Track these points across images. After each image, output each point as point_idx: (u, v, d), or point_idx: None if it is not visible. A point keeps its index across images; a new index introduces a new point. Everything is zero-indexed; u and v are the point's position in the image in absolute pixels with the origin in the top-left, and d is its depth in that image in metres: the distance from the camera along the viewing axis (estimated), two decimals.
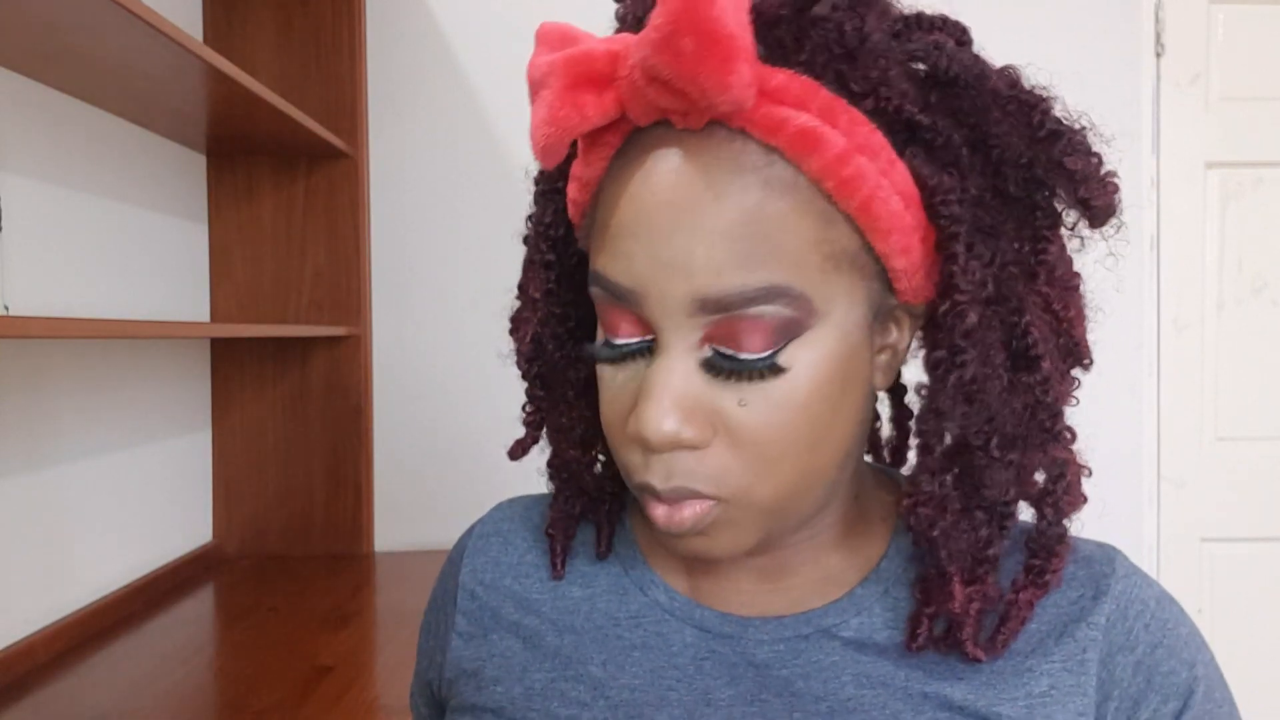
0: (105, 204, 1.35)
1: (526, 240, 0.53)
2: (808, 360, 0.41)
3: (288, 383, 1.70)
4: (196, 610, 1.41)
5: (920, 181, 0.42)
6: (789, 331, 0.40)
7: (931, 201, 0.42)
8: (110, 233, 1.37)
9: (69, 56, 1.09)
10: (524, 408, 0.54)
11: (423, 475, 1.78)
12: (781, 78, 0.40)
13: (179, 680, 1.12)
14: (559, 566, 0.53)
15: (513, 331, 0.53)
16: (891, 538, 0.50)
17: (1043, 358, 0.44)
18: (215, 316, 1.69)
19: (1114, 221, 0.45)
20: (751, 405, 0.41)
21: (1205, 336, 1.92)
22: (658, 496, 0.43)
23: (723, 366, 0.41)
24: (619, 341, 0.43)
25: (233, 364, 1.70)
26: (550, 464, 0.55)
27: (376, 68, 1.78)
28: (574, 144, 0.46)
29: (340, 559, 1.67)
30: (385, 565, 1.64)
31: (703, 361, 0.41)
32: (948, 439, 0.44)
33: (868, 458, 0.58)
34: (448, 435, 1.79)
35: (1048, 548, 0.45)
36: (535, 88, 0.42)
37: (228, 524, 1.69)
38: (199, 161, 1.66)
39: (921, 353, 0.47)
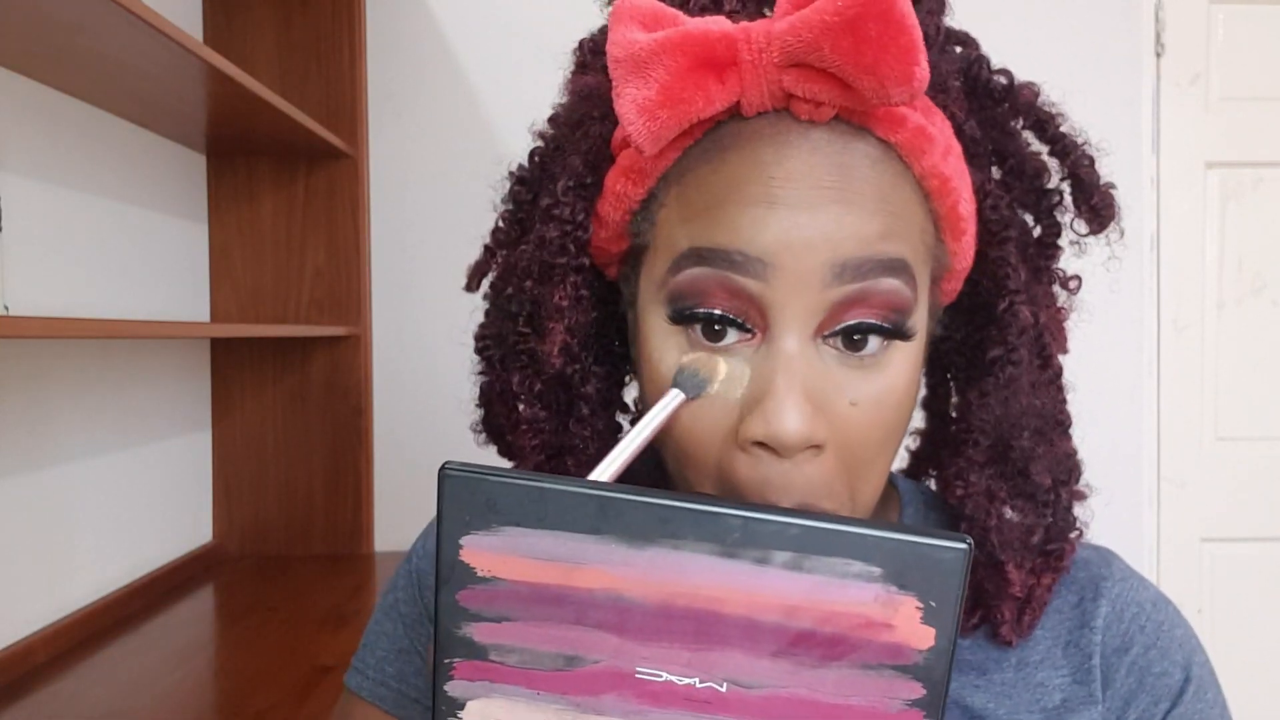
0: (105, 204, 1.35)
1: (538, 243, 0.46)
2: (907, 358, 0.40)
3: (288, 383, 1.70)
4: (196, 610, 1.41)
5: (975, 186, 0.43)
6: (903, 315, 0.39)
7: (983, 205, 0.43)
8: (110, 233, 1.37)
9: (69, 56, 1.09)
10: (522, 431, 0.49)
11: (423, 475, 1.78)
12: None
13: (179, 680, 1.12)
14: None
15: (510, 357, 0.48)
16: None
17: (1054, 356, 0.46)
18: (215, 317, 1.69)
19: (1115, 226, 0.47)
20: (861, 405, 0.39)
21: (1205, 336, 1.92)
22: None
23: (840, 330, 0.39)
24: (720, 312, 0.39)
25: (233, 364, 1.70)
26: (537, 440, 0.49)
27: (376, 68, 1.78)
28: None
29: (340, 559, 1.67)
30: (385, 565, 1.64)
31: (835, 332, 0.39)
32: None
33: None
34: (448, 435, 1.79)
35: (1062, 533, 0.47)
36: (635, 66, 0.38)
37: (228, 524, 1.69)
38: (199, 161, 1.66)
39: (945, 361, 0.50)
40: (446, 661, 0.32)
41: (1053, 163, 0.47)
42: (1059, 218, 0.47)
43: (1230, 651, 1.86)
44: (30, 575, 1.17)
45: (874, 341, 0.40)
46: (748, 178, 0.39)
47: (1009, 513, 0.46)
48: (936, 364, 0.52)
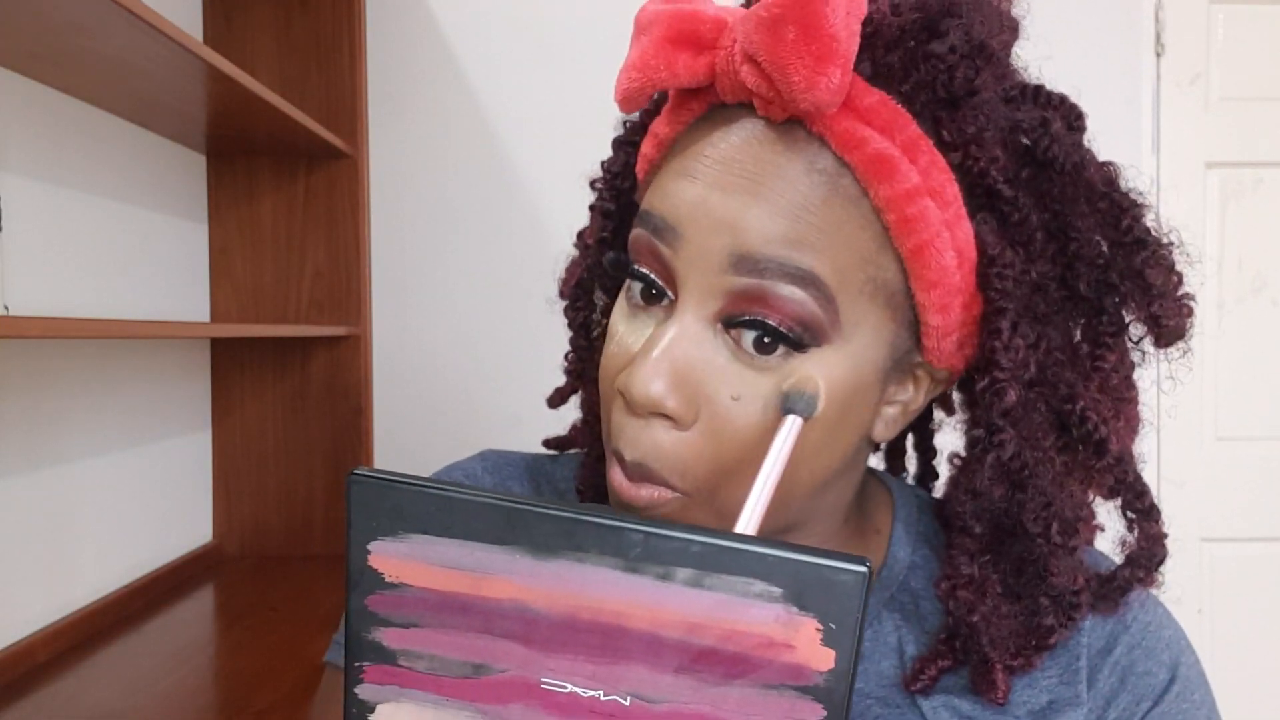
0: (105, 204, 1.36)
1: (593, 186, 0.52)
2: (815, 374, 0.40)
3: (288, 383, 1.70)
4: (196, 610, 1.41)
5: (982, 248, 0.41)
6: (807, 333, 0.39)
7: (987, 271, 0.41)
8: (110, 233, 1.37)
9: (69, 57, 1.09)
10: (566, 356, 0.54)
11: (422, 475, 1.78)
12: (876, 99, 0.39)
13: (179, 680, 1.12)
14: None
15: (564, 275, 0.53)
16: (888, 548, 0.49)
17: (1109, 440, 0.42)
18: (215, 317, 1.69)
19: (1180, 345, 0.45)
20: (744, 401, 0.39)
21: (1205, 336, 1.92)
22: (623, 466, 0.41)
23: (740, 322, 0.39)
24: (642, 269, 0.42)
25: (233, 364, 1.70)
26: (586, 412, 0.54)
27: (376, 68, 1.78)
28: (659, 99, 0.46)
29: (340, 559, 1.66)
30: None
31: (721, 318, 0.40)
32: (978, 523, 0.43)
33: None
34: (448, 435, 1.79)
35: (1103, 599, 0.45)
36: (638, 30, 0.41)
37: (228, 524, 1.70)
38: (199, 161, 1.66)
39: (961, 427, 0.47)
40: (357, 665, 0.32)
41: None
42: (1125, 317, 0.43)
43: (1229, 651, 1.87)
44: (30, 575, 1.18)
45: (778, 350, 0.39)
46: (692, 151, 0.41)
47: (1003, 606, 0.43)
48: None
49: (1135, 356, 0.45)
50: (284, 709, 1.04)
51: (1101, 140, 0.45)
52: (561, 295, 0.53)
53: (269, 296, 1.69)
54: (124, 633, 1.27)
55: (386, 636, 0.31)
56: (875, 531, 0.50)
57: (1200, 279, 0.45)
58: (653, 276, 0.42)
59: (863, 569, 0.29)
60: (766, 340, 0.39)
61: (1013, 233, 0.41)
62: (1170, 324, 0.43)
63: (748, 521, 0.36)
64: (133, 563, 1.42)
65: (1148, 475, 1.92)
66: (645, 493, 0.41)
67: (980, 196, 0.41)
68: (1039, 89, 0.43)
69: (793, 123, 0.39)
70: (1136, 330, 0.44)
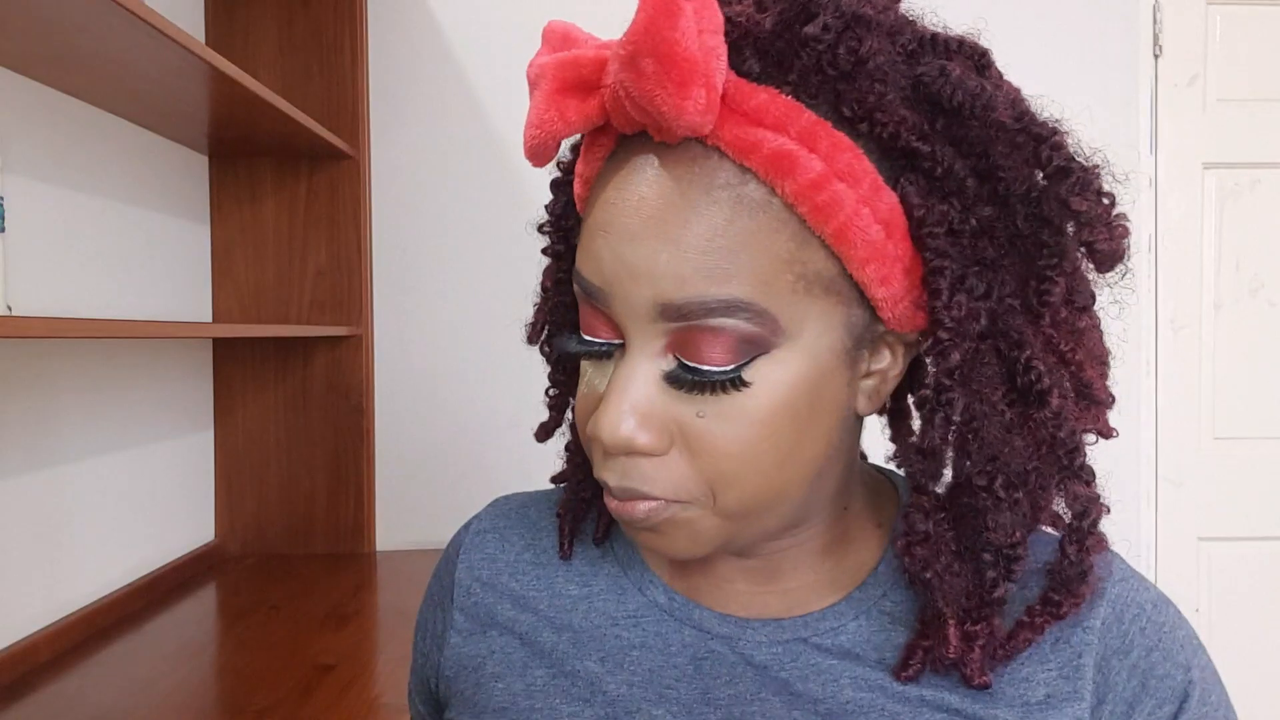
0: (108, 205, 1.36)
1: (541, 230, 0.53)
2: (772, 379, 0.40)
3: (289, 383, 1.71)
4: (198, 609, 1.42)
5: (909, 211, 0.40)
6: (752, 347, 0.40)
7: (919, 233, 0.40)
8: (113, 233, 1.37)
9: (72, 58, 1.10)
10: (547, 391, 0.55)
11: (424, 475, 1.79)
12: (763, 97, 0.39)
13: (181, 679, 1.12)
14: (566, 548, 0.53)
15: (532, 320, 0.54)
16: (887, 543, 0.49)
17: (1049, 392, 0.42)
18: (217, 317, 1.69)
19: (1120, 268, 0.44)
20: (710, 418, 0.40)
21: (1203, 337, 1.93)
22: (611, 492, 0.43)
23: (684, 378, 0.40)
24: (588, 337, 0.44)
25: (235, 364, 1.70)
26: (568, 446, 0.55)
27: (378, 69, 1.78)
28: (579, 142, 0.46)
29: (342, 558, 1.68)
30: (386, 564, 1.64)
31: (665, 373, 0.41)
32: (946, 478, 0.43)
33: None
34: (449, 435, 1.80)
35: (1069, 584, 0.44)
36: (530, 86, 0.42)
37: (230, 523, 1.70)
38: (201, 162, 1.67)
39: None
40: None
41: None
42: (1061, 246, 0.42)
43: (1227, 650, 1.87)
44: (32, 574, 1.18)
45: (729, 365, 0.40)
46: (603, 201, 0.42)
47: (957, 561, 0.43)
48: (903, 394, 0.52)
49: (1090, 285, 0.44)
50: (285, 708, 1.04)
51: (1100, 141, 0.44)
52: (530, 341, 0.54)
53: (271, 297, 1.70)
54: (126, 632, 1.28)
55: None
56: (877, 525, 0.50)
57: (1135, 204, 0.43)
58: (603, 344, 0.43)
59: None
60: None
61: (941, 186, 0.40)
62: (1104, 248, 0.42)
63: None
64: (135, 562, 1.42)
65: (1145, 475, 1.92)
66: (643, 506, 0.42)
67: (900, 159, 0.40)
68: (935, 36, 0.42)
69: (688, 140, 0.40)
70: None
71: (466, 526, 0.59)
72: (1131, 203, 0.42)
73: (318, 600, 1.43)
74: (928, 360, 0.42)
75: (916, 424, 0.52)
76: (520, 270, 1.82)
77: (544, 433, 0.55)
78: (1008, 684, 0.45)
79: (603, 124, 0.42)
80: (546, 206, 0.52)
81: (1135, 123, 1.90)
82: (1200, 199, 1.92)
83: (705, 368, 0.40)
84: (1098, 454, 0.44)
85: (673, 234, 0.39)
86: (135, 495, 1.43)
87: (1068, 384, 0.43)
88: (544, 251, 0.53)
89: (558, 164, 0.52)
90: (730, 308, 0.39)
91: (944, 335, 0.41)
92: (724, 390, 0.40)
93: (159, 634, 1.28)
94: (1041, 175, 0.42)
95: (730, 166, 0.39)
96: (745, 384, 0.40)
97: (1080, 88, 1.88)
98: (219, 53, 1.17)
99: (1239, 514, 1.94)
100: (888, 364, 0.45)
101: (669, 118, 0.37)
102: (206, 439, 1.69)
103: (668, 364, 0.41)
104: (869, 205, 0.40)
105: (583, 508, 0.54)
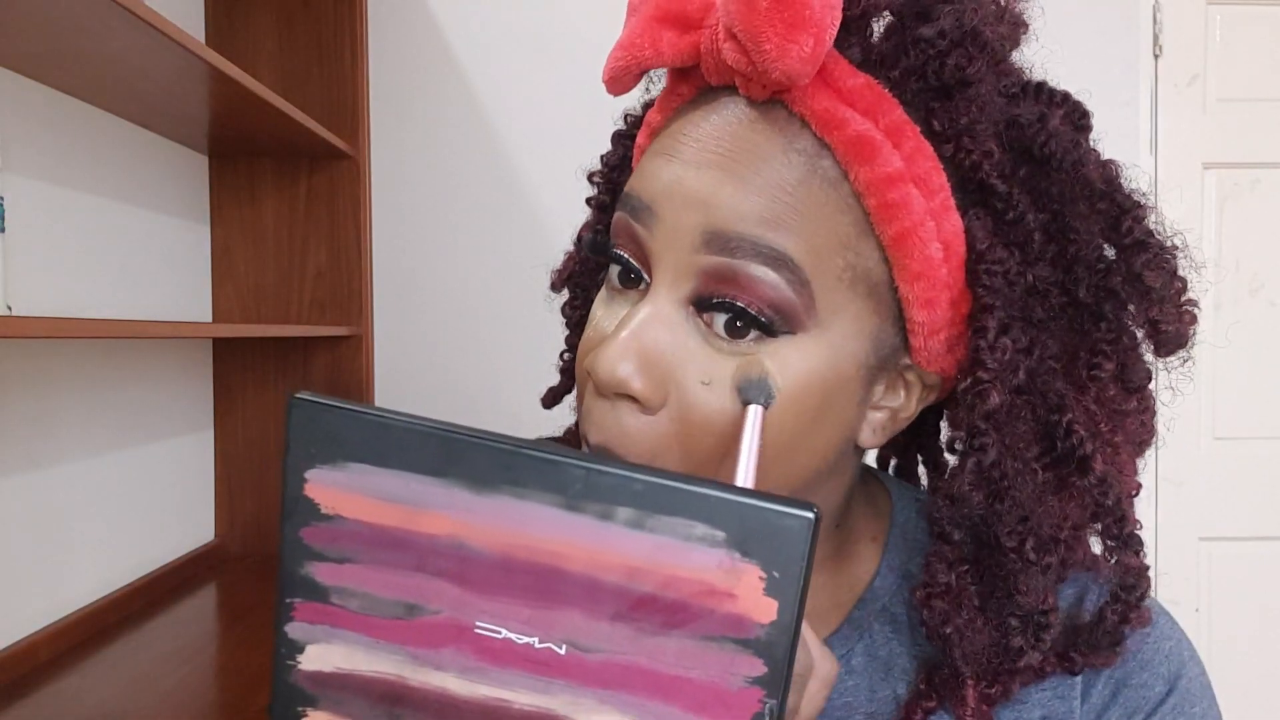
0: (108, 205, 1.36)
1: (591, 180, 0.52)
2: (789, 365, 0.38)
3: (290, 383, 1.71)
4: (199, 609, 1.42)
5: (972, 243, 0.39)
6: (782, 319, 0.38)
7: (976, 267, 0.39)
8: (113, 233, 1.37)
9: (72, 58, 1.10)
10: (561, 355, 0.53)
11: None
12: (861, 81, 0.38)
13: (181, 679, 1.12)
14: None
15: (559, 269, 0.53)
16: (882, 556, 0.48)
17: (1092, 458, 0.40)
18: (217, 317, 1.69)
19: (1181, 354, 0.42)
20: (714, 386, 0.38)
21: (1203, 336, 1.92)
22: (589, 447, 0.40)
23: (711, 304, 0.38)
24: (617, 251, 0.41)
25: (235, 364, 1.70)
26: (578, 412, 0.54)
27: (378, 68, 1.78)
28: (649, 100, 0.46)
29: None
30: None
31: (693, 299, 0.39)
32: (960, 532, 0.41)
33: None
34: None
35: (1096, 647, 0.42)
36: (630, 10, 0.41)
37: (230, 523, 1.70)
38: (201, 162, 1.67)
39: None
40: (288, 601, 0.30)
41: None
42: (1122, 323, 0.41)
43: (1227, 650, 1.87)
44: (33, 574, 1.18)
45: (751, 335, 0.38)
46: (671, 133, 0.41)
47: (979, 620, 0.41)
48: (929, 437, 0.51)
49: (1147, 366, 0.43)
50: None
51: (1100, 141, 0.43)
52: (553, 288, 0.53)
53: (271, 297, 1.70)
54: (126, 632, 1.28)
55: (319, 572, 0.30)
56: (872, 539, 0.49)
57: (1205, 285, 0.43)
58: (627, 258, 0.41)
59: (809, 514, 0.27)
60: (738, 324, 0.38)
61: (1008, 231, 0.39)
62: (1169, 330, 0.41)
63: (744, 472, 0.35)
64: (135, 562, 1.42)
65: (1145, 475, 1.92)
66: None
67: (974, 192, 0.39)
68: (1041, 85, 0.42)
69: (774, 103, 0.39)
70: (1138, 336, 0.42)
71: None
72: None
73: None
74: (963, 403, 0.40)
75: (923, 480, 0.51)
76: (520, 270, 1.82)
77: (552, 398, 0.53)
78: (1003, 707, 0.43)
79: (691, 66, 0.40)
80: (602, 157, 0.51)
81: (1135, 123, 1.90)
82: (1200, 199, 1.92)
83: (735, 301, 0.37)
84: None
85: (741, 173, 0.38)
86: (135, 495, 1.43)
87: (1107, 453, 0.41)
88: (588, 201, 0.51)
89: (625, 117, 0.50)
90: (778, 260, 0.37)
91: (985, 376, 0.39)
92: (737, 354, 0.38)
93: (159, 634, 1.28)
94: (1118, 247, 0.40)
95: (810, 137, 0.38)
96: (778, 333, 0.38)
97: (1080, 88, 1.87)
98: (219, 53, 1.17)
99: (1239, 514, 1.93)
100: (900, 403, 0.43)
101: (770, 58, 0.36)
102: (206, 439, 1.69)
103: (689, 309, 0.39)
104: (935, 221, 0.38)
105: None
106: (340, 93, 1.68)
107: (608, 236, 0.42)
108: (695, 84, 0.41)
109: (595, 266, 0.51)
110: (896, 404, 0.43)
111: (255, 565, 1.64)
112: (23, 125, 1.15)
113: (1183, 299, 0.41)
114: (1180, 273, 0.41)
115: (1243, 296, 1.93)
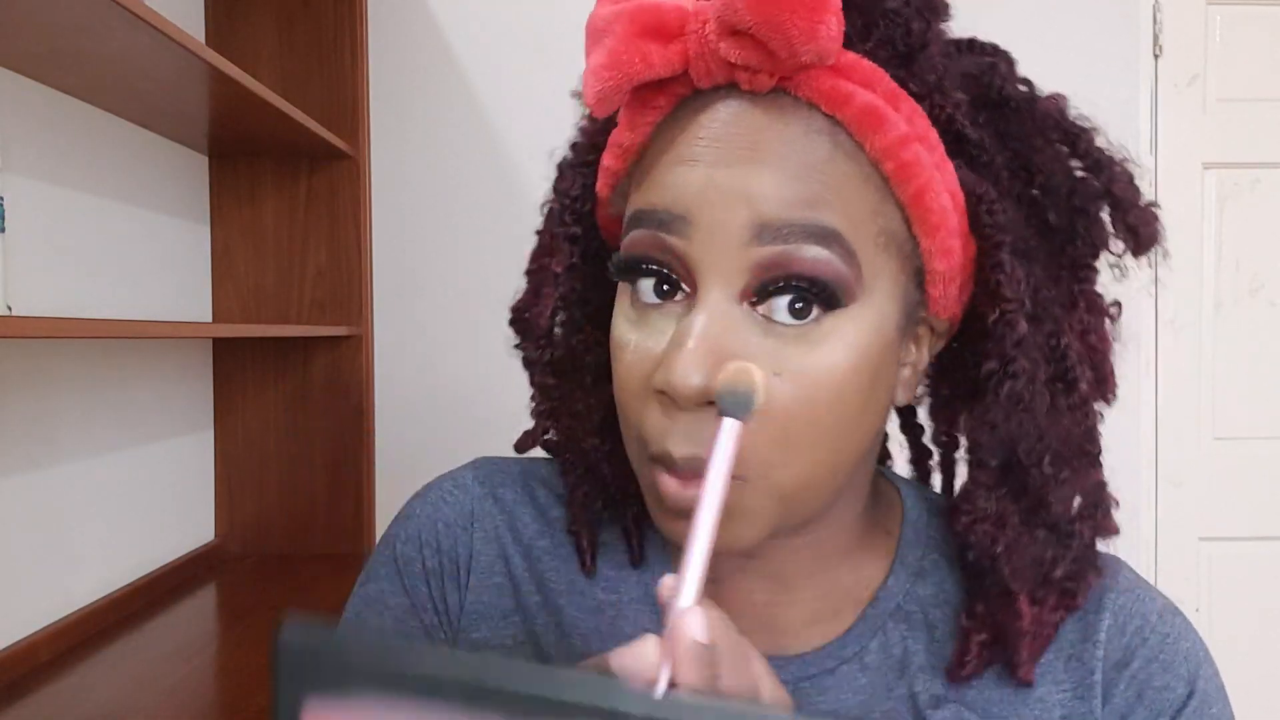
0: (108, 205, 1.36)
1: (548, 216, 0.50)
2: (847, 337, 0.39)
3: (289, 383, 1.71)
4: (199, 609, 1.42)
5: (968, 188, 0.41)
6: (843, 288, 0.39)
7: (977, 210, 0.41)
8: (113, 233, 1.38)
9: (72, 58, 1.10)
10: (532, 398, 0.51)
11: (423, 475, 1.78)
12: (851, 57, 0.40)
13: (181, 679, 1.12)
14: (589, 563, 0.49)
15: (522, 312, 0.50)
16: (895, 553, 0.48)
17: (1079, 380, 0.43)
18: (217, 317, 1.70)
19: (1157, 249, 0.45)
20: (786, 376, 0.38)
21: (1203, 336, 1.93)
22: (672, 468, 0.39)
23: (771, 291, 0.38)
24: (654, 265, 0.40)
25: (235, 364, 1.70)
26: (565, 456, 0.51)
27: (378, 69, 1.78)
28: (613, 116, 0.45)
29: (342, 558, 1.68)
30: None
31: (748, 294, 0.39)
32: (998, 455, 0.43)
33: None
34: (449, 435, 1.80)
35: (1080, 571, 0.44)
36: (595, 35, 0.41)
37: (230, 523, 1.70)
38: (201, 162, 1.67)
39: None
40: None
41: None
42: (1095, 237, 0.44)
43: (1227, 650, 1.87)
44: (33, 574, 1.18)
45: (810, 314, 0.39)
46: (680, 140, 0.41)
47: (1024, 534, 0.43)
48: (942, 380, 0.51)
49: (1115, 272, 0.46)
50: None
51: (1137, 169, 0.46)
52: (533, 337, 0.49)
53: (271, 297, 1.70)
54: (126, 631, 1.28)
55: None
56: (886, 533, 0.49)
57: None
58: (666, 270, 0.40)
59: None
60: (799, 305, 0.39)
61: (981, 174, 0.42)
62: (1146, 231, 0.44)
63: (689, 577, 0.32)
64: (135, 561, 1.42)
65: (1145, 475, 1.91)
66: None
67: (950, 143, 0.41)
68: (973, 41, 0.45)
69: (777, 92, 0.40)
70: (1114, 246, 0.45)
71: (449, 476, 0.55)
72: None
73: (318, 600, 1.43)
74: (994, 335, 0.42)
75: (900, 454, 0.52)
76: (521, 270, 1.82)
77: (531, 441, 0.52)
78: (1024, 706, 0.44)
79: (670, 78, 0.40)
80: (557, 189, 0.49)
81: (1135, 123, 1.90)
82: (1200, 199, 1.92)
83: (797, 281, 0.38)
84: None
85: (774, 161, 0.38)
86: (135, 495, 1.43)
87: (1090, 373, 0.44)
88: (553, 236, 0.49)
89: (572, 146, 0.50)
90: (828, 236, 0.38)
91: (1010, 307, 0.41)
92: (802, 338, 0.39)
93: (159, 634, 1.28)
94: (1081, 169, 0.43)
95: (821, 117, 0.39)
96: (841, 303, 0.39)
97: (1080, 88, 1.87)
98: (219, 53, 1.17)
99: (1239, 514, 1.94)
100: (916, 356, 0.45)
101: (800, 42, 0.36)
102: (206, 439, 1.69)
103: (744, 304, 0.39)
104: (940, 173, 0.40)
105: (596, 522, 0.50)
106: (340, 93, 1.68)
107: (640, 266, 0.41)
108: (674, 95, 0.42)
109: (580, 296, 0.49)
110: (914, 358, 0.45)
111: (255, 565, 1.64)
112: (23, 125, 1.15)
113: (1143, 201, 0.44)
114: (1135, 179, 0.45)
115: (1243, 296, 1.93)
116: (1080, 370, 0.43)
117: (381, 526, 1.82)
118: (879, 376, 0.41)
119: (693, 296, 0.40)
